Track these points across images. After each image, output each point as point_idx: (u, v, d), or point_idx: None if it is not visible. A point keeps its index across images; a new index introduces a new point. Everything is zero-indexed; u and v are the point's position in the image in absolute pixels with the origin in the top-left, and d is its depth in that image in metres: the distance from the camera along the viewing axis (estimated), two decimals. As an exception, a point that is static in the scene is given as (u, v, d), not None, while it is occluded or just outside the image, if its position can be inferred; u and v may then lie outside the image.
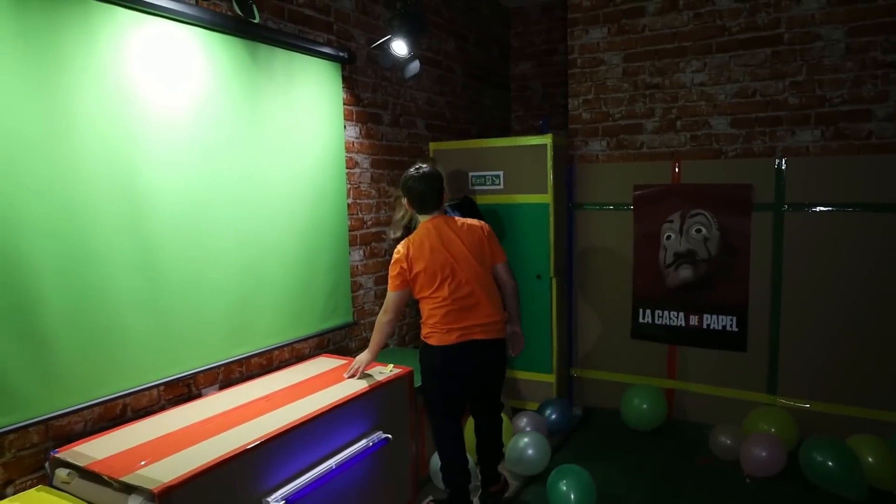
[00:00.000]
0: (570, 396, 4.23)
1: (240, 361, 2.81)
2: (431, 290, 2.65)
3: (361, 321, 3.63)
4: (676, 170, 3.80)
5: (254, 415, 2.36)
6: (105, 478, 1.86)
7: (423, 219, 2.75)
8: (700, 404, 3.85)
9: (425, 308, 2.71)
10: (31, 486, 2.01)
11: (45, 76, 2.02)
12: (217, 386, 2.71)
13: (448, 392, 2.73)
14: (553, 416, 3.69)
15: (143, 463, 1.93)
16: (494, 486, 2.95)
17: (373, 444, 2.57)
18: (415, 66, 3.46)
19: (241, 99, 2.75)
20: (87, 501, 1.89)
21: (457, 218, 2.79)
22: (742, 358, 3.69)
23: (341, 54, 3.29)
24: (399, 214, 3.65)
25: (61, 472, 1.96)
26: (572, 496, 2.75)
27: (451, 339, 2.63)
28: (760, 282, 3.62)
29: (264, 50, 2.86)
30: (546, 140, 3.79)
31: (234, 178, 2.73)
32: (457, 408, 2.78)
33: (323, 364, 3.06)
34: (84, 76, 2.13)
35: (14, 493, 1.97)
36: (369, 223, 3.68)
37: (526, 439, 3.18)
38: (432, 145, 4.22)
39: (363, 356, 2.83)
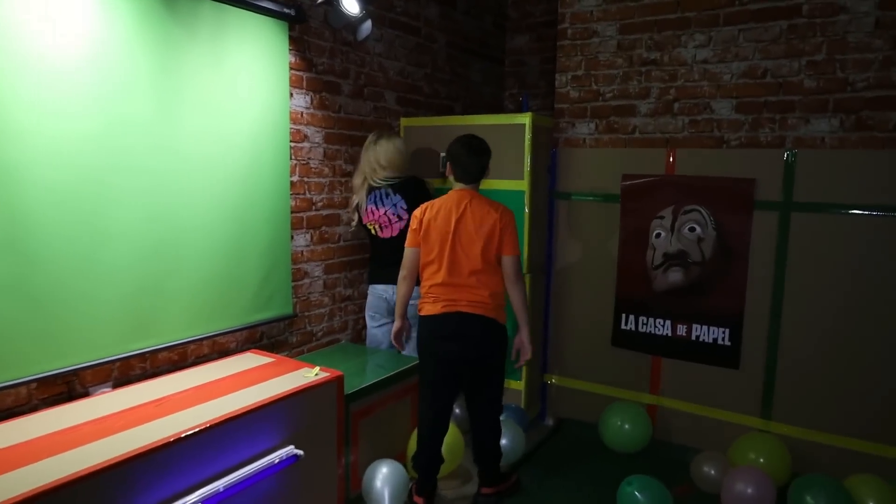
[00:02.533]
0: (544, 405, 3.83)
1: (142, 356, 2.47)
2: (429, 258, 2.64)
3: (306, 313, 3.26)
4: (671, 159, 3.34)
5: (137, 422, 2.01)
6: None
7: (456, 186, 2.70)
8: (684, 425, 3.42)
9: (422, 277, 2.70)
10: None
11: None
12: (110, 384, 2.36)
13: (429, 368, 2.68)
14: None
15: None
16: (487, 489, 2.80)
17: (279, 462, 2.22)
18: (367, 27, 3.04)
19: (147, 55, 2.36)
20: None
21: (483, 198, 2.67)
22: (734, 376, 3.25)
23: (287, 11, 2.89)
24: (354, 200, 3.26)
25: None
26: None
27: (437, 309, 2.61)
28: (759, 291, 3.16)
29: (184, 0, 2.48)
30: (524, 119, 3.36)
31: (139, 146, 2.37)
32: (436, 387, 2.68)
33: (248, 361, 2.71)
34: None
35: None
36: (320, 204, 3.29)
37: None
38: (403, 121, 3.81)
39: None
